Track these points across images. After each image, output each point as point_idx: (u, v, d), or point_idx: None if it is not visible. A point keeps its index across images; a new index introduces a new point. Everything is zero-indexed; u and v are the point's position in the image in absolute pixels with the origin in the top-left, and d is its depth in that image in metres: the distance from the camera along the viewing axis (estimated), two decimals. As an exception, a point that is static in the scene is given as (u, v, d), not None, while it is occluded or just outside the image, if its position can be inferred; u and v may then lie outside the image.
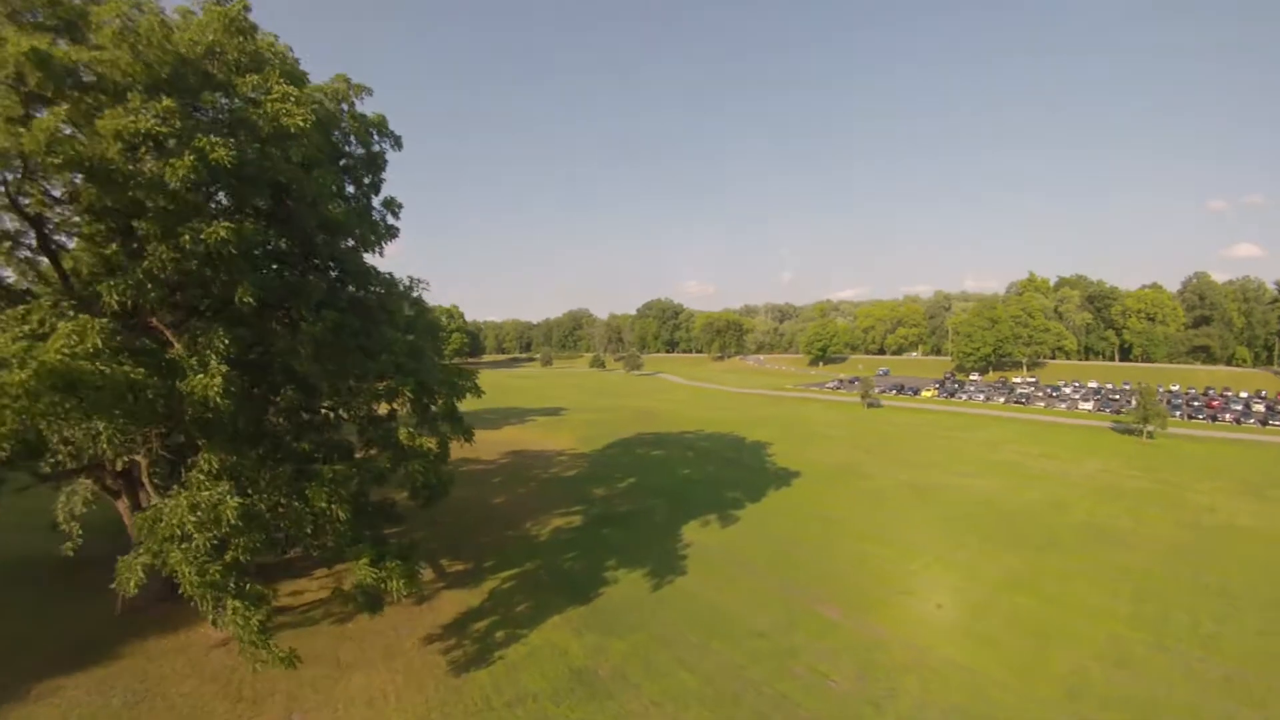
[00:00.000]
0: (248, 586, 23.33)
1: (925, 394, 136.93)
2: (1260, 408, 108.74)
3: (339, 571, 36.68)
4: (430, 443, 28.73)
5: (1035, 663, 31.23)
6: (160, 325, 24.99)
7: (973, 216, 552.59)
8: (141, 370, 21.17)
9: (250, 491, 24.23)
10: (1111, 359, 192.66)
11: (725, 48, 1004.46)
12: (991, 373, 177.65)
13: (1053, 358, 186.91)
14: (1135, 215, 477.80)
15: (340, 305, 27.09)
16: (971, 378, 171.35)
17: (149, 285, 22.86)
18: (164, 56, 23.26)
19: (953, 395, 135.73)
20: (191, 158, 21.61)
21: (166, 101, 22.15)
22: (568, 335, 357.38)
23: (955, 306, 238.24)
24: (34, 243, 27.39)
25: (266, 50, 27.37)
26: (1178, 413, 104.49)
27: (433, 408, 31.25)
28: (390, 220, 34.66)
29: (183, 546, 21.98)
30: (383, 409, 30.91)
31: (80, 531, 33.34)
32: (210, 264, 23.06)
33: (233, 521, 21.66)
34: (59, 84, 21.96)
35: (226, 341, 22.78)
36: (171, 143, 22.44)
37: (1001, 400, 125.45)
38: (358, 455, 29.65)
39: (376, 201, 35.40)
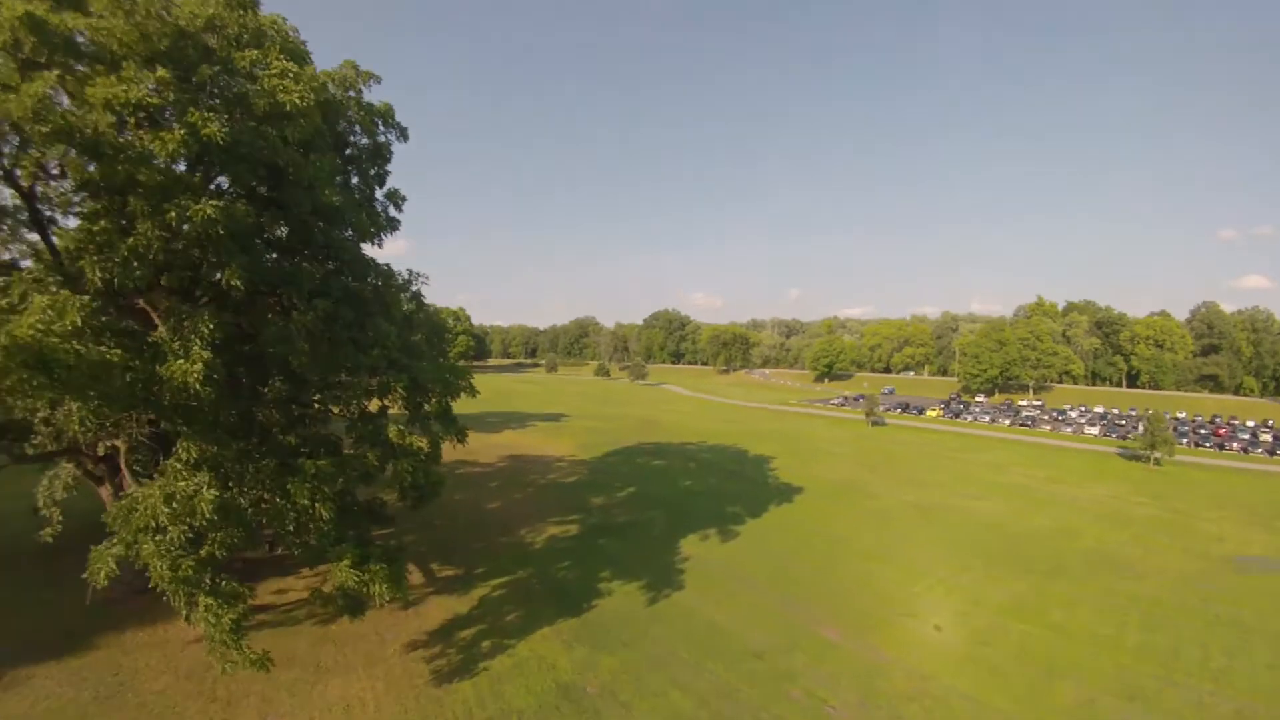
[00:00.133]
0: (223, 583, 22.30)
1: (930, 413, 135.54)
2: (1268, 437, 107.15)
3: (325, 571, 35.54)
4: (421, 442, 27.68)
5: (1042, 694, 29.93)
6: (147, 307, 24.07)
7: (980, 240, 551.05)
8: (119, 351, 20.25)
9: (231, 484, 23.23)
10: (1118, 385, 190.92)
11: (740, 65, 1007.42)
12: (997, 395, 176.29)
13: (1059, 382, 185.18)
14: (1144, 243, 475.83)
15: (334, 295, 26.07)
16: (977, 399, 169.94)
17: (135, 264, 21.95)
18: (163, 28, 22.51)
19: (958, 416, 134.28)
20: (182, 131, 20.83)
21: (161, 72, 21.41)
22: (574, 342, 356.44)
23: (962, 328, 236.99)
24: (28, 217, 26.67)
25: (269, 27, 26.60)
26: (1185, 440, 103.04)
27: (425, 406, 30.18)
28: (392, 212, 33.80)
29: (156, 539, 21.00)
30: (374, 405, 29.84)
31: (60, 517, 32.42)
32: (199, 245, 22.20)
33: (208, 515, 20.67)
34: (53, 50, 21.26)
35: (211, 327, 21.79)
36: (167, 115, 21.68)
37: (1007, 422, 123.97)
38: (347, 452, 28.53)
39: (380, 193, 34.63)
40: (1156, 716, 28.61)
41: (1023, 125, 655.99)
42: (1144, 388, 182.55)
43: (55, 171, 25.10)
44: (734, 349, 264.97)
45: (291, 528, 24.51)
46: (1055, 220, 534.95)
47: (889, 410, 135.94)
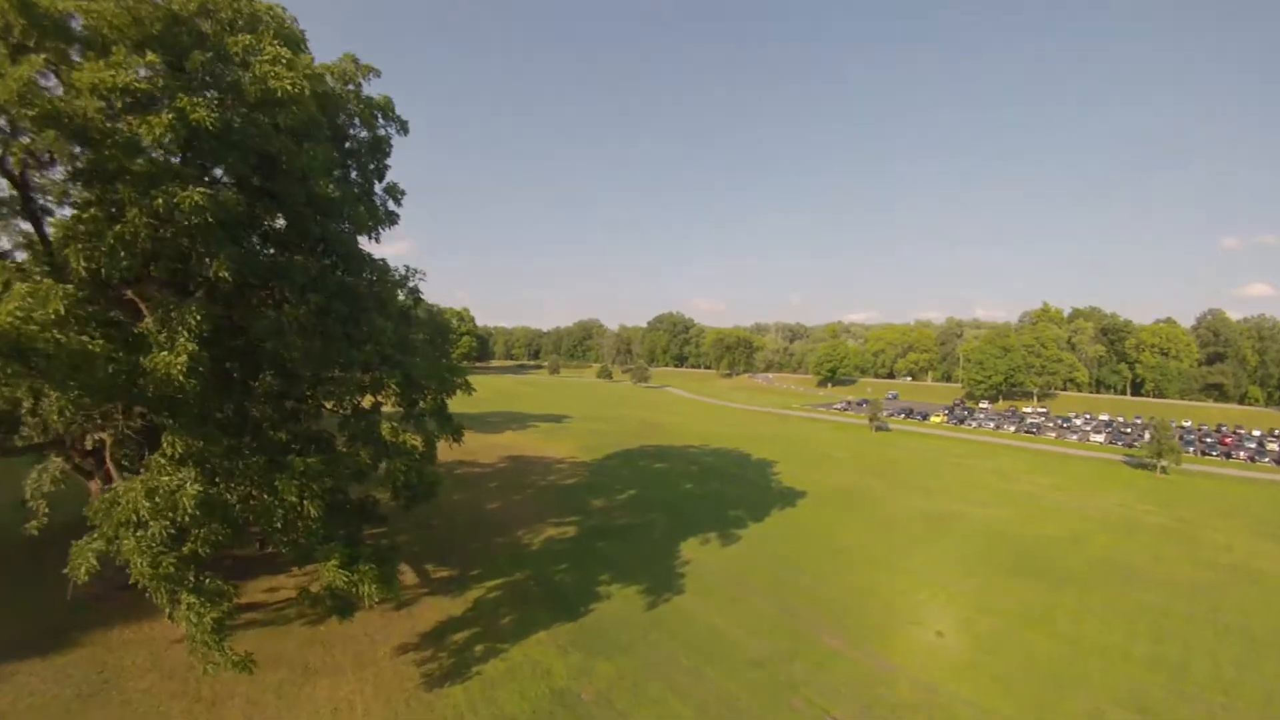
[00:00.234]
0: (206, 581, 21.63)
1: (934, 419, 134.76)
2: (1274, 447, 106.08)
3: (315, 570, 34.94)
4: (415, 440, 26.97)
5: (1049, 705, 29.20)
6: (136, 299, 23.47)
7: (985, 247, 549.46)
8: (101, 341, 19.65)
9: (217, 480, 22.57)
10: (1123, 392, 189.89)
11: (745, 67, 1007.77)
12: (1001, 401, 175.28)
13: (1064, 389, 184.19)
14: (1148, 251, 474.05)
15: (328, 289, 25.42)
16: (981, 405, 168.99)
17: (122, 253, 21.37)
18: (155, 12, 22.00)
19: (962, 422, 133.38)
20: (170, 116, 20.24)
21: (151, 57, 20.87)
22: (577, 345, 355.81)
23: (967, 334, 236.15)
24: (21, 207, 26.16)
25: (264, 13, 26.00)
26: (1191, 449, 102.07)
27: (420, 404, 29.47)
28: (391, 207, 33.19)
29: (138, 534, 20.36)
30: (367, 402, 29.16)
31: (46, 510, 31.81)
32: (187, 234, 21.61)
33: (190, 511, 20.00)
34: (44, 34, 20.77)
35: (199, 318, 21.15)
36: (157, 101, 21.11)
37: (1012, 429, 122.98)
38: (340, 450, 27.81)
39: (379, 188, 34.02)
40: (1167, 731, 27.88)
41: (1028, 133, 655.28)
42: (1149, 396, 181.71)
43: (46, 159, 24.59)
44: (737, 353, 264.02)
45: (279, 525, 23.81)
46: (1060, 229, 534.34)
47: (893, 415, 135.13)
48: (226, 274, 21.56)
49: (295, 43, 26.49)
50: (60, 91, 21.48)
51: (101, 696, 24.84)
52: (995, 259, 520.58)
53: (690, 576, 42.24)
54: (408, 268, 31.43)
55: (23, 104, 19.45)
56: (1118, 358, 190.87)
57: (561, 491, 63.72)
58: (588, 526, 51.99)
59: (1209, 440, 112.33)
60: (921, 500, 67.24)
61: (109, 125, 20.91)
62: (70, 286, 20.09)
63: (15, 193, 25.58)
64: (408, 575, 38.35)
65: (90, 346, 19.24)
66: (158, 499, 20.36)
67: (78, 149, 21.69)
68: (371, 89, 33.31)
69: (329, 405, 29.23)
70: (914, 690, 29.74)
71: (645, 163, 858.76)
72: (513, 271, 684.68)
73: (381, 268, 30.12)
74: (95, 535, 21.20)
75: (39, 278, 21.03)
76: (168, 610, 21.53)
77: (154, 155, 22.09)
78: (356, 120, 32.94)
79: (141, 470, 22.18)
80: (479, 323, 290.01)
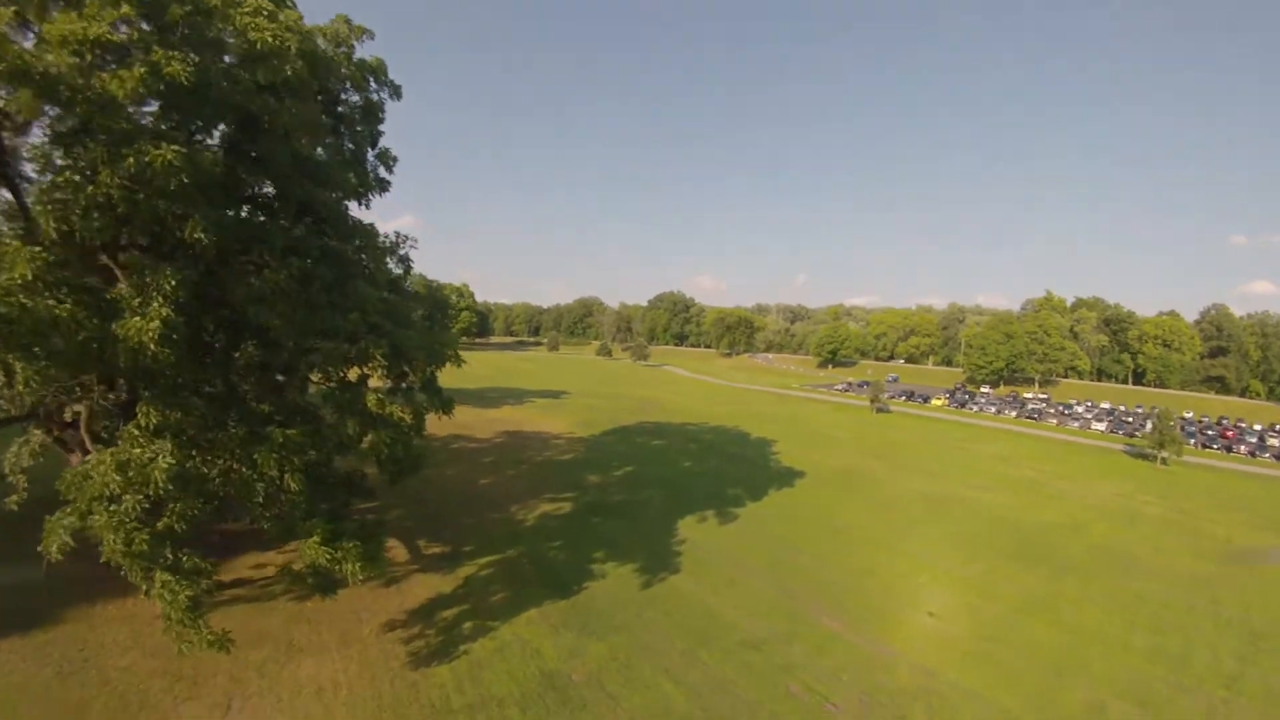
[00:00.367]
0: (183, 559, 20.78)
1: (935, 402, 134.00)
2: (1275, 441, 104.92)
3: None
4: (402, 412, 25.93)
5: (1051, 695, 28.60)
6: (111, 263, 22.31)
7: (988, 235, 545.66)
8: (69, 306, 18.59)
9: (195, 453, 21.59)
10: (1124, 382, 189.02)
11: (751, 43, 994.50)
12: (1003, 386, 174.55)
13: (1065, 376, 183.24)
14: (1154, 245, 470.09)
15: (312, 255, 24.24)
16: (983, 390, 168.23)
17: (95, 215, 20.24)
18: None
19: (963, 406, 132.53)
20: (143, 70, 19.00)
21: (125, 8, 19.57)
22: (577, 322, 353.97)
23: (969, 319, 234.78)
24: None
25: (249, -39, 24.50)
26: (1192, 440, 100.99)
27: (410, 374, 28.40)
28: (383, 173, 31.93)
29: (110, 509, 19.45)
30: (354, 374, 28.09)
31: (26, 485, 30.89)
32: (163, 195, 20.44)
33: (163, 484, 19.05)
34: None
35: (174, 284, 20.01)
36: (131, 55, 19.85)
37: (1013, 414, 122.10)
38: (326, 421, 26.78)
39: (372, 154, 32.73)
40: (1169, 724, 27.25)
41: (1036, 124, 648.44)
42: (1150, 386, 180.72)
43: (20, 121, 23.28)
44: (738, 332, 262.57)
45: (260, 500, 22.91)
46: (1064, 218, 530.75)
47: (894, 398, 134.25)
48: (202, 236, 20.40)
49: (279, -3, 25.02)
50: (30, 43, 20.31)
51: (81, 675, 24.20)
52: (998, 249, 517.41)
53: (686, 555, 41.60)
54: (398, 234, 30.21)
55: None
56: (1120, 348, 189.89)
57: (558, 467, 63.02)
58: (583, 503, 51.31)
59: (1210, 433, 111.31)
60: (922, 483, 66.60)
61: (81, 81, 19.68)
62: (39, 249, 19.02)
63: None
64: (398, 551, 37.68)
65: (57, 311, 18.18)
66: (130, 472, 19.45)
67: (52, 109, 20.48)
68: (364, 51, 31.97)
69: (315, 377, 28.19)
70: (914, 676, 29.12)
71: (650, 143, 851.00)
72: (514, 249, 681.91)
73: (369, 233, 28.83)
74: (69, 510, 20.40)
75: (9, 241, 19.98)
76: (144, 588, 20.70)
77: (129, 113, 20.89)
78: (349, 84, 31.58)
79: (119, 443, 21.24)
80: (479, 299, 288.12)
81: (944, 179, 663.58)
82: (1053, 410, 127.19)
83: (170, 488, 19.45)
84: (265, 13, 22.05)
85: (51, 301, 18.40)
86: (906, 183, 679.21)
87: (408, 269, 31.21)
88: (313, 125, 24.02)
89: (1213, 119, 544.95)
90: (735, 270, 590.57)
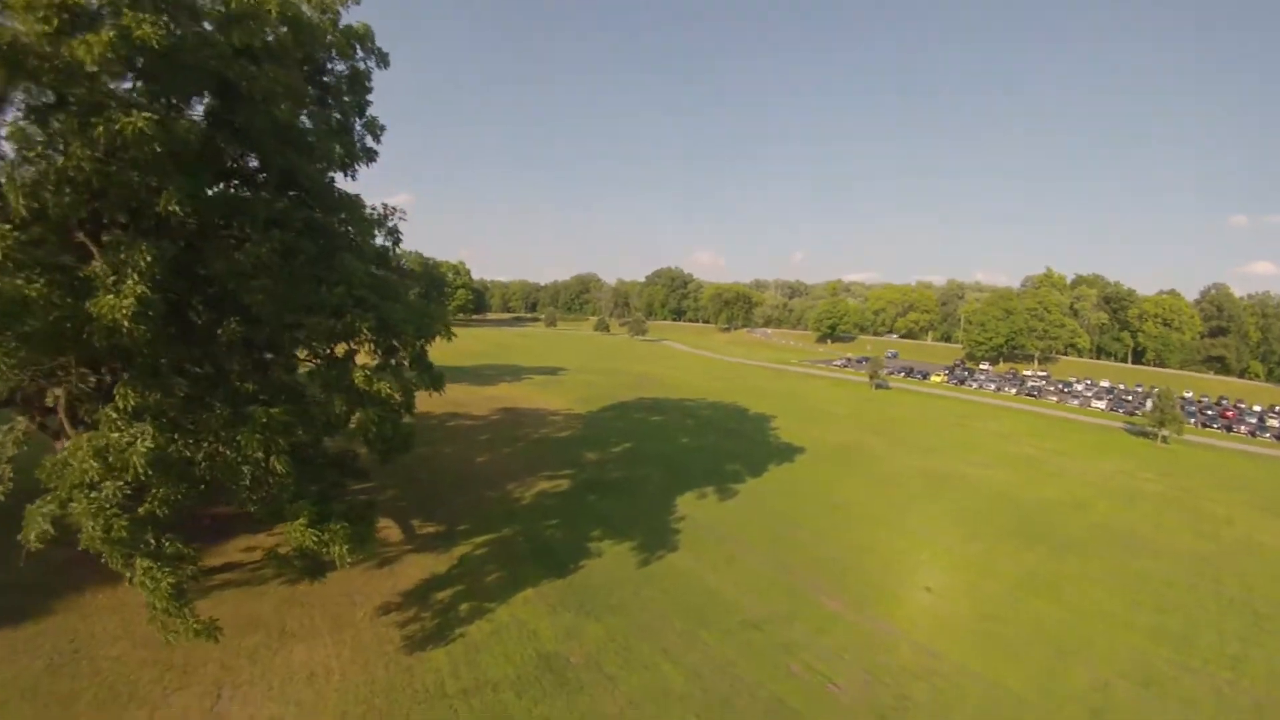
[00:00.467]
0: (166, 545, 20.06)
1: (935, 379, 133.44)
2: (1275, 422, 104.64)
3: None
4: (390, 389, 25.08)
5: (1055, 675, 28.27)
6: (87, 240, 21.29)
7: (987, 212, 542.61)
8: (40, 285, 17.68)
9: (177, 436, 20.75)
10: (1124, 360, 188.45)
11: (743, 19, 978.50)
12: (1002, 363, 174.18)
13: (1065, 354, 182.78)
14: (1154, 223, 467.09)
15: (295, 227, 23.20)
16: (982, 366, 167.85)
17: (66, 190, 19.24)
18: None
19: (963, 382, 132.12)
20: (111, 34, 17.86)
21: (92, -34, 18.39)
22: (574, 298, 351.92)
23: (968, 296, 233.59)
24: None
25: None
26: (1192, 420, 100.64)
27: (399, 349, 27.47)
28: (370, 143, 30.72)
29: (91, 495, 18.69)
30: (340, 350, 27.15)
31: (11, 475, 29.99)
32: (137, 167, 19.40)
33: (142, 469, 18.27)
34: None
35: (149, 259, 19.02)
36: (102, 19, 18.68)
37: (1013, 391, 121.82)
38: (313, 400, 25.87)
39: (359, 125, 31.48)
40: (1174, 705, 26.98)
41: (1037, 100, 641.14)
42: (1149, 365, 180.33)
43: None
44: (736, 308, 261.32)
45: (246, 483, 22.13)
46: (1064, 196, 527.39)
47: (892, 374, 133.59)
48: (176, 208, 19.39)
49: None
50: None
51: (71, 667, 23.65)
52: (998, 226, 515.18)
53: (685, 533, 41.15)
54: (385, 205, 29.00)
55: None
56: (1120, 326, 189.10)
57: (555, 444, 62.41)
58: (581, 480, 50.73)
59: (1210, 412, 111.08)
60: (922, 459, 66.22)
61: (50, 50, 18.54)
62: (8, 228, 18.05)
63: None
64: (392, 531, 37.13)
65: (28, 291, 17.26)
66: (110, 458, 18.67)
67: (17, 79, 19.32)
68: (351, 18, 30.55)
69: (302, 355, 27.26)
70: (916, 656, 28.75)
71: (648, 117, 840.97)
72: (511, 227, 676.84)
73: (355, 205, 27.67)
74: (49, 498, 19.71)
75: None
76: (128, 576, 20.01)
77: (101, 82, 19.75)
78: (334, 52, 30.24)
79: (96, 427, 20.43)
80: (476, 277, 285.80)
81: (944, 156, 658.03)
82: (1052, 388, 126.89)
83: (150, 472, 18.66)
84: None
85: (20, 281, 17.45)
86: (904, 159, 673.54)
87: (396, 241, 30.07)
88: (295, 92, 22.82)
89: (1214, 98, 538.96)
90: (733, 246, 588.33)
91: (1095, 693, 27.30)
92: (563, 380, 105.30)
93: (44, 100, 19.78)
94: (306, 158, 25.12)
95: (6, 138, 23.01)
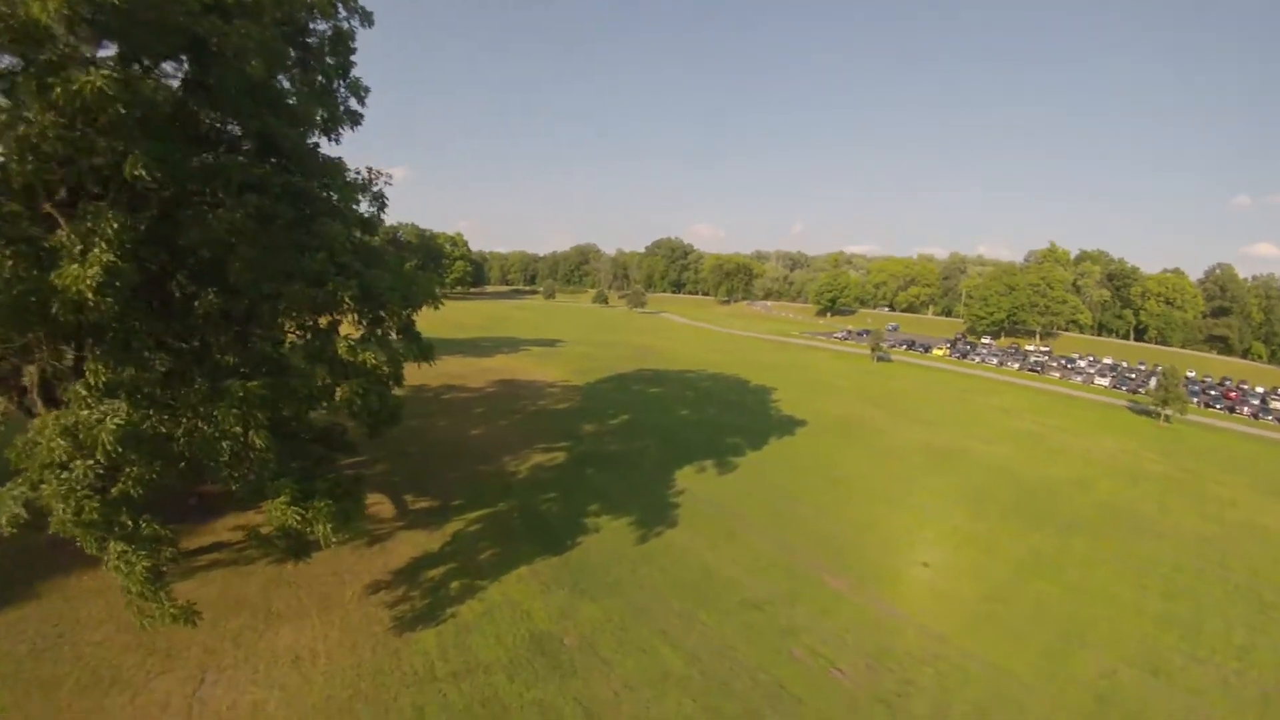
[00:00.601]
0: (143, 526, 19.09)
1: (937, 352, 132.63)
2: (1279, 405, 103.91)
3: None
4: (375, 359, 23.89)
5: (1061, 661, 27.76)
6: (53, 210, 19.96)
7: (990, 185, 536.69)
8: (3, 255, 16.47)
9: (152, 412, 19.66)
10: (1126, 338, 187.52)
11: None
12: (1003, 338, 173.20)
13: (1066, 330, 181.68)
14: (1157, 202, 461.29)
15: (273, 192, 21.83)
16: (984, 341, 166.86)
17: (29, 157, 17.91)
18: None
19: (964, 356, 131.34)
20: None
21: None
22: (574, 270, 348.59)
23: (970, 270, 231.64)
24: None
25: None
26: (1195, 400, 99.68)
27: (386, 319, 26.21)
28: (354, 105, 29.17)
29: (61, 476, 17.67)
30: (324, 322, 25.90)
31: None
32: (103, 131, 18.05)
33: (110, 447, 17.21)
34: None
35: (116, 226, 17.72)
36: None
37: (1015, 366, 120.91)
38: (295, 372, 24.65)
39: (342, 87, 29.92)
40: (1181, 695, 26.47)
41: (1041, 75, 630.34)
42: (1151, 343, 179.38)
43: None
44: (736, 279, 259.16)
45: (226, 459, 21.09)
46: (1067, 172, 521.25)
47: (894, 347, 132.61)
48: (143, 173, 18.03)
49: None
50: None
51: (54, 652, 22.97)
52: (1001, 200, 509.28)
53: (684, 508, 40.46)
54: (370, 169, 27.48)
55: None
56: (1122, 303, 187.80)
57: (552, 416, 61.53)
58: (578, 453, 49.95)
59: (1213, 393, 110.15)
60: (924, 433, 65.54)
61: (6, 10, 17.07)
62: None
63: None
64: (384, 507, 36.31)
65: None
66: (80, 435, 17.61)
67: None
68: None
69: (287, 327, 26.01)
70: (921, 640, 28.13)
71: (648, 87, 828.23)
72: (510, 197, 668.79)
73: (337, 169, 26.16)
74: (20, 480, 18.78)
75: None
76: (104, 561, 19.10)
77: (69, 44, 18.31)
78: (315, 11, 28.53)
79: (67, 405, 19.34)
80: (474, 248, 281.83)
81: (945, 128, 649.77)
82: (1055, 364, 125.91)
83: (120, 450, 17.60)
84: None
85: None
86: (906, 131, 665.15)
87: (382, 207, 28.59)
88: (269, 50, 21.21)
89: (1219, 76, 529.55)
90: (734, 218, 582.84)
91: (1102, 680, 26.77)
92: (561, 352, 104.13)
93: (6, 66, 18.47)
94: (284, 119, 23.65)
95: None
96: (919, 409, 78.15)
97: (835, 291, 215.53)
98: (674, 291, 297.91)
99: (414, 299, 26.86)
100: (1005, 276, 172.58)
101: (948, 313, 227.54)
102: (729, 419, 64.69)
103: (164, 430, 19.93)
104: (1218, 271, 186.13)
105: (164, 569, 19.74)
